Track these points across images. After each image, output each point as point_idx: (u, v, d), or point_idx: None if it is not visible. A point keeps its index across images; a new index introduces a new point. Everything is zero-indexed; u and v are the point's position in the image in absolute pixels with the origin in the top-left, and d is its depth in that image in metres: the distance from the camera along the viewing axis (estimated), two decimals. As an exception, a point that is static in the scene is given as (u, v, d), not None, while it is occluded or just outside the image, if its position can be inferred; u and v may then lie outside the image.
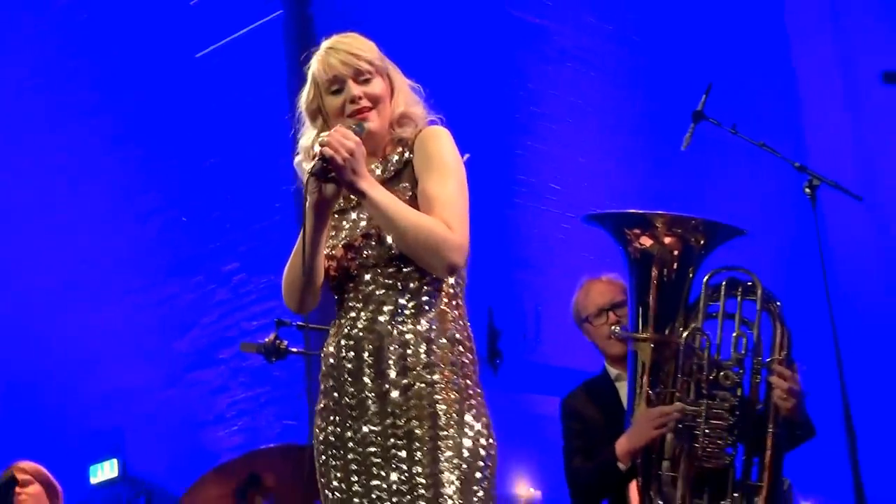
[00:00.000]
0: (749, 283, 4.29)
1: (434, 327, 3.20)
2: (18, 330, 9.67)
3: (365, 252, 3.25)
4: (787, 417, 4.21)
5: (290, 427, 8.38)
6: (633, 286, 4.41)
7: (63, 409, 9.34)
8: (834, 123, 10.37)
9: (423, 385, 3.15)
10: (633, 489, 4.34)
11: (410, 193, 3.26)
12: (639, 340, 4.36)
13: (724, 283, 4.30)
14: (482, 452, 3.15)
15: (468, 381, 3.21)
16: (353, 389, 3.20)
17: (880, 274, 9.98)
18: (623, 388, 4.54)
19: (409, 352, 3.17)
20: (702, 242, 4.37)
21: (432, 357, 3.17)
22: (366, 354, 3.19)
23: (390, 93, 3.36)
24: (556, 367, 8.12)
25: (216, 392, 8.86)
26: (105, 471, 9.20)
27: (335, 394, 3.24)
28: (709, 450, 4.20)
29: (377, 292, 3.23)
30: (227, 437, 8.67)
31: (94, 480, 9.21)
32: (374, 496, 3.15)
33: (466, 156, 3.32)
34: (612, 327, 4.57)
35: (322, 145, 3.14)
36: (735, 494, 4.21)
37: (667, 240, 4.37)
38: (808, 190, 4.88)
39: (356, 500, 3.18)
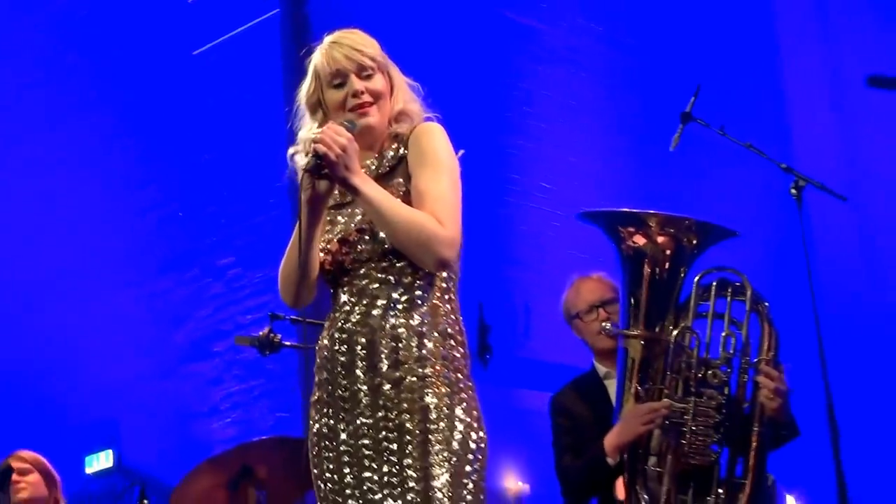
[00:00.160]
0: (739, 285, 4.29)
1: (426, 321, 3.19)
2: (17, 322, 9.66)
3: (359, 247, 3.24)
4: (773, 417, 4.22)
5: (283, 419, 8.38)
6: (625, 284, 4.41)
7: (60, 401, 9.33)
8: (820, 125, 10.38)
9: (414, 379, 3.14)
10: (620, 485, 4.34)
11: (404, 189, 3.25)
12: (629, 337, 4.35)
13: (714, 283, 4.31)
14: (472, 446, 3.14)
15: (459, 375, 3.20)
16: (345, 382, 3.20)
17: (864, 273, 9.99)
18: (612, 386, 4.53)
19: (401, 346, 3.16)
20: (694, 242, 4.37)
21: (424, 351, 3.16)
22: (358, 348, 3.19)
23: (390, 90, 3.35)
24: (545, 362, 8.13)
25: (210, 384, 8.86)
26: (100, 461, 9.20)
27: (329, 386, 3.23)
28: (695, 446, 4.20)
29: (371, 287, 3.22)
30: (220, 428, 8.67)
31: (89, 470, 9.21)
32: (365, 488, 3.15)
33: (461, 152, 3.31)
34: (603, 324, 4.56)
35: (315, 142, 3.13)
36: (719, 491, 4.21)
37: (660, 239, 4.36)
38: (794, 190, 4.89)
39: (348, 491, 3.17)
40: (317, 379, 3.28)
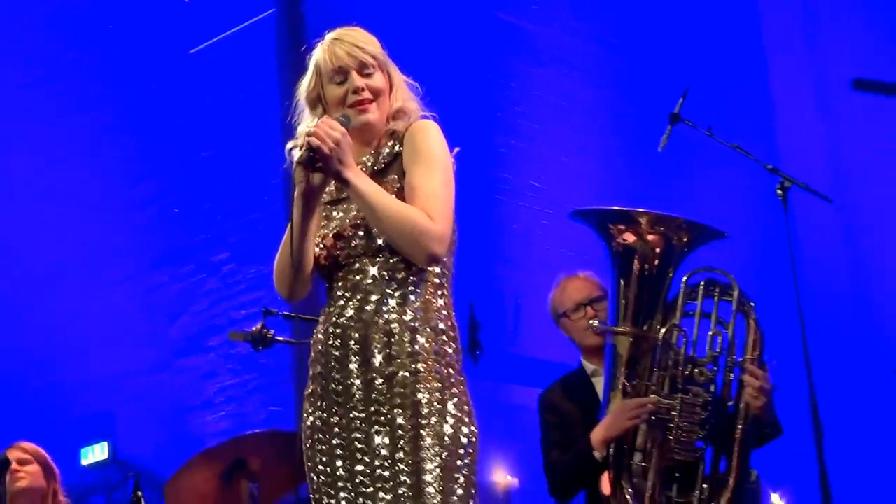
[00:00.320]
0: (726, 285, 4.29)
1: (419, 317, 3.19)
2: (14, 316, 9.65)
3: (353, 242, 3.24)
4: (757, 415, 4.23)
5: (275, 413, 8.38)
6: (615, 281, 4.40)
7: (57, 394, 9.33)
8: (806, 127, 10.39)
9: (406, 374, 3.14)
10: (605, 480, 4.33)
11: (398, 185, 3.25)
12: (618, 334, 4.35)
13: (702, 283, 4.31)
14: (463, 440, 3.14)
15: (451, 371, 3.20)
16: (339, 376, 3.20)
17: (848, 273, 10.00)
18: (599, 384, 4.53)
19: (393, 341, 3.16)
20: (684, 241, 4.37)
21: (416, 346, 3.16)
22: (352, 343, 3.19)
23: (389, 87, 3.35)
24: (535, 359, 8.13)
25: (205, 378, 8.86)
26: (96, 453, 9.20)
27: (323, 380, 3.23)
28: (681, 442, 4.20)
29: (365, 282, 3.22)
30: (214, 422, 8.67)
31: (85, 462, 9.21)
32: (357, 481, 3.15)
33: (456, 149, 3.31)
34: (591, 321, 4.56)
35: (309, 135, 3.13)
36: (704, 486, 4.21)
37: (650, 237, 4.36)
38: (779, 191, 4.89)
39: (340, 484, 3.17)
40: (311, 372, 3.28)
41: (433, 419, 3.11)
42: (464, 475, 3.12)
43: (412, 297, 3.20)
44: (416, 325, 3.18)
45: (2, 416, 9.14)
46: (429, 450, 3.09)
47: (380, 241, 3.20)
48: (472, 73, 9.23)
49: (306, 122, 3.34)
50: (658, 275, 4.34)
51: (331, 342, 3.21)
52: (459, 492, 3.10)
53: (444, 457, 3.09)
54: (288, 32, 8.83)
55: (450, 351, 3.22)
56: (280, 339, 4.71)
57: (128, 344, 9.16)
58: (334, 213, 3.32)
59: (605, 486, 4.33)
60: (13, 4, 10.12)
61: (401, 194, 3.22)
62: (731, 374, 4.26)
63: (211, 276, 8.96)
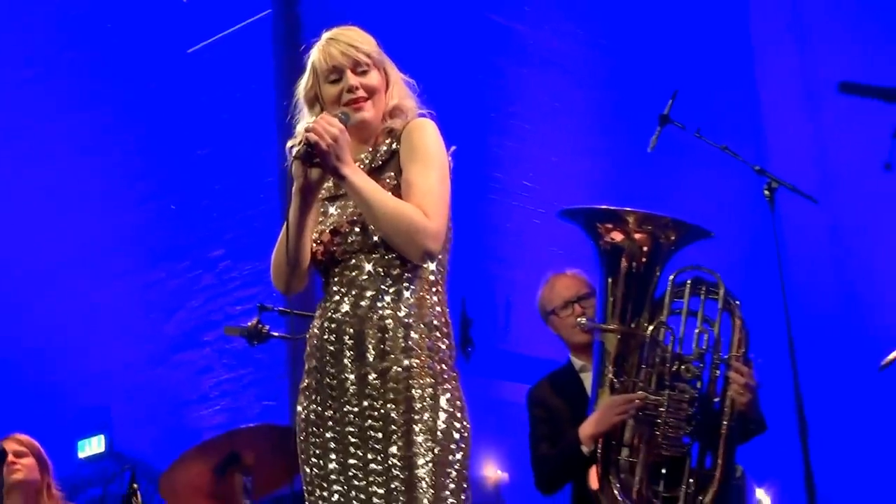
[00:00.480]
0: (712, 283, 4.30)
1: (413, 313, 3.19)
2: (13, 310, 9.64)
3: (350, 238, 3.24)
4: (742, 411, 4.24)
5: (270, 408, 8.38)
6: (603, 279, 4.41)
7: (54, 387, 9.31)
8: (793, 129, 10.40)
9: (399, 369, 3.15)
10: (593, 474, 4.34)
11: (395, 183, 3.25)
12: (606, 331, 4.36)
13: (689, 281, 4.32)
14: (456, 435, 3.15)
15: (443, 366, 3.20)
16: (333, 371, 3.20)
17: (834, 273, 10.01)
18: (587, 379, 4.53)
19: (387, 336, 3.17)
20: (671, 240, 4.38)
21: (409, 342, 3.17)
22: (346, 338, 3.19)
23: (386, 85, 3.36)
24: (525, 355, 8.13)
25: (200, 373, 8.85)
26: (92, 446, 9.19)
27: (317, 374, 3.24)
28: (667, 438, 4.21)
29: (360, 278, 3.22)
30: (209, 415, 8.67)
31: (81, 455, 9.20)
32: (350, 474, 3.15)
33: (453, 148, 3.32)
34: (579, 318, 4.56)
35: (307, 131, 3.13)
36: (690, 481, 4.22)
37: (637, 236, 4.37)
38: (767, 192, 4.90)
39: (333, 477, 3.18)
40: (306, 366, 3.29)
41: (426, 414, 3.12)
42: (456, 470, 3.13)
43: (407, 294, 3.20)
44: (410, 321, 3.18)
45: (1, 408, 9.13)
46: (421, 445, 3.09)
47: (375, 238, 3.21)
48: (464, 73, 9.23)
49: (305, 121, 3.34)
50: (645, 273, 4.35)
51: (326, 337, 3.22)
52: (451, 486, 3.11)
53: (436, 451, 3.10)
54: (284, 33, 8.82)
55: (443, 347, 3.23)
56: (275, 334, 4.71)
57: (125, 338, 9.15)
58: (332, 210, 3.32)
59: (593, 480, 4.34)
60: (12, 4, 10.11)
61: (397, 191, 3.22)
62: (717, 371, 4.27)
63: (207, 272, 8.96)
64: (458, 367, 3.27)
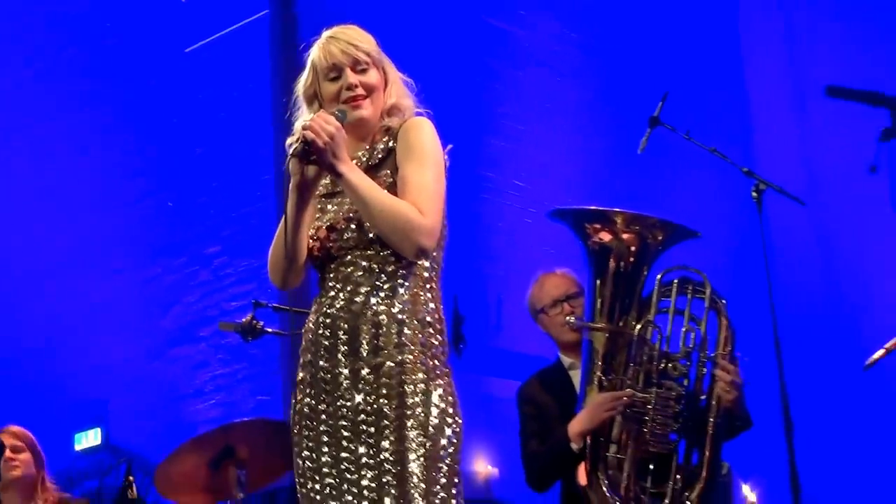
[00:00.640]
0: (699, 283, 4.31)
1: (406, 309, 3.19)
2: (12, 305, 9.63)
3: (346, 235, 3.24)
4: (728, 408, 4.24)
5: (264, 402, 8.38)
6: (591, 279, 4.41)
7: (51, 380, 9.31)
8: (781, 132, 10.42)
9: (392, 365, 3.15)
10: (582, 471, 4.34)
11: (391, 180, 3.25)
12: (594, 330, 4.36)
13: (676, 280, 4.32)
14: (448, 431, 3.15)
15: (436, 362, 3.20)
16: (327, 365, 3.20)
17: (820, 274, 10.04)
18: (576, 377, 4.53)
19: (381, 332, 3.17)
20: (658, 239, 4.38)
21: (403, 338, 3.17)
22: (341, 333, 3.19)
23: (384, 84, 3.36)
24: (516, 352, 8.13)
25: (196, 367, 8.85)
26: (89, 439, 9.19)
27: (312, 368, 3.24)
28: (655, 435, 4.21)
29: (355, 274, 3.22)
30: (204, 409, 8.67)
31: (78, 447, 9.20)
32: (342, 468, 3.15)
33: (449, 146, 3.32)
34: (567, 317, 4.56)
35: (304, 129, 3.14)
36: (677, 477, 4.22)
37: (625, 236, 4.36)
38: (754, 194, 4.90)
39: (325, 470, 3.18)
40: (301, 360, 3.29)
41: (418, 409, 3.12)
42: (447, 464, 3.13)
43: (401, 290, 3.20)
44: (404, 317, 3.18)
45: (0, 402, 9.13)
46: (413, 439, 3.09)
47: (371, 235, 3.21)
48: (460, 74, 9.24)
49: (303, 118, 3.35)
50: (633, 272, 4.35)
51: (321, 332, 3.22)
52: (443, 480, 3.11)
53: (428, 446, 3.10)
54: (281, 33, 8.82)
55: (436, 343, 3.23)
56: (269, 330, 4.71)
57: (122, 333, 9.15)
58: (329, 206, 3.32)
59: (582, 476, 4.34)
60: (12, 3, 10.10)
61: (393, 189, 3.22)
62: (704, 369, 4.27)
63: (203, 268, 8.96)
64: (450, 363, 3.28)
